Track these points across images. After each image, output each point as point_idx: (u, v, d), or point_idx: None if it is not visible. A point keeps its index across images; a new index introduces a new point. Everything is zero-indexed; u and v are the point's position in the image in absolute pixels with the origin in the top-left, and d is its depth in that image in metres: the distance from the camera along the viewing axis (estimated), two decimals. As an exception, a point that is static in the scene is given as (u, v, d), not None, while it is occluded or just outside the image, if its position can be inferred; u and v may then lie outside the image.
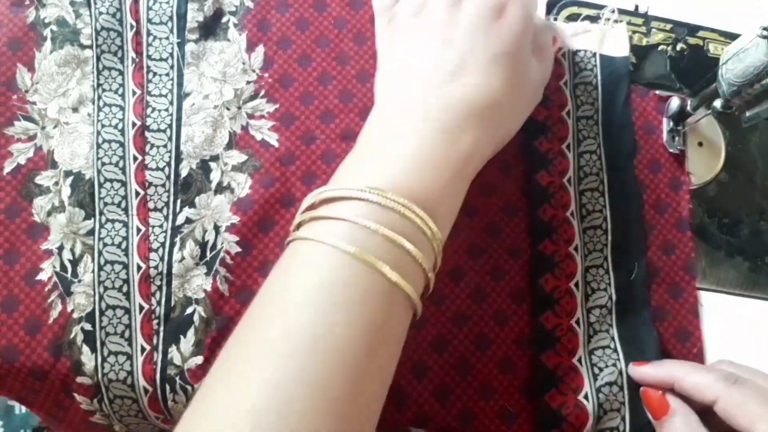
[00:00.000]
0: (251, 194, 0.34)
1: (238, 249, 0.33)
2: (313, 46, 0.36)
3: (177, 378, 0.32)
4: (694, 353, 0.33)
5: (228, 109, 0.35)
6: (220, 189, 0.34)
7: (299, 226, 0.28)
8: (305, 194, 0.34)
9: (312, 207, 0.28)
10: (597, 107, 0.36)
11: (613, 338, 0.33)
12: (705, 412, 0.29)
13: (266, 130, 0.35)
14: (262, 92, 0.36)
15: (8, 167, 0.34)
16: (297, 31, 0.37)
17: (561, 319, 0.33)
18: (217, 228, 0.33)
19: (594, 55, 0.36)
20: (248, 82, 0.36)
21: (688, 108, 0.35)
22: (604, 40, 0.37)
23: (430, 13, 0.31)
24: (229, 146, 0.35)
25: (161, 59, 0.36)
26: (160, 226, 0.33)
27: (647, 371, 0.31)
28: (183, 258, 0.33)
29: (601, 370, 0.32)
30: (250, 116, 0.35)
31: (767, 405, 0.28)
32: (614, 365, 0.32)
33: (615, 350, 0.33)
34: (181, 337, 0.32)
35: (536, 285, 0.33)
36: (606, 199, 0.35)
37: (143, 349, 0.32)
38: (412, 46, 0.31)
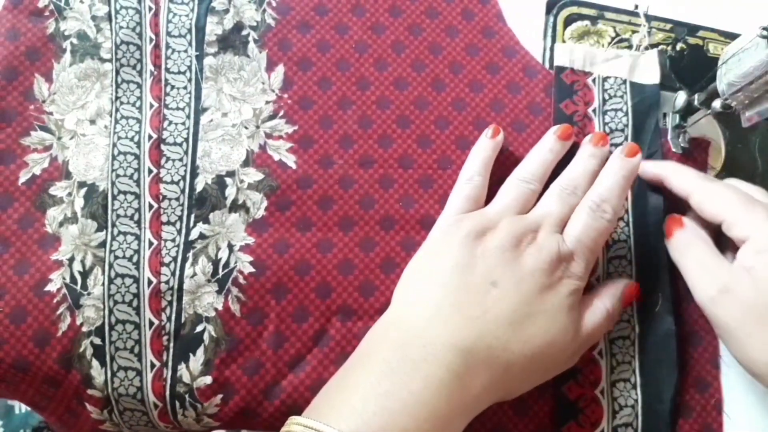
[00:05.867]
0: (267, 216, 0.35)
1: (252, 269, 0.34)
2: (334, 69, 0.38)
3: (186, 396, 0.33)
4: (712, 404, 0.34)
5: (246, 128, 0.36)
6: (235, 207, 0.35)
7: None
8: (321, 219, 0.35)
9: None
10: (627, 134, 0.37)
11: (634, 371, 0.34)
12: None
13: (284, 151, 0.36)
14: (281, 113, 0.37)
15: (23, 177, 0.35)
16: (318, 53, 0.38)
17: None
18: (230, 247, 0.34)
19: (624, 82, 0.37)
20: (267, 102, 0.37)
21: (696, 103, 0.35)
22: (635, 67, 0.38)
23: (488, 246, 0.31)
24: (245, 164, 0.36)
25: (179, 72, 0.37)
26: (173, 240, 0.34)
27: (644, 167, 0.36)
28: (195, 274, 0.34)
29: (621, 407, 0.34)
30: (269, 136, 0.36)
31: (736, 196, 0.32)
32: (632, 407, 0.34)
33: (634, 386, 0.34)
34: (191, 355, 0.33)
35: None
36: (631, 229, 0.36)
37: (153, 365, 0.33)
38: (457, 261, 0.31)
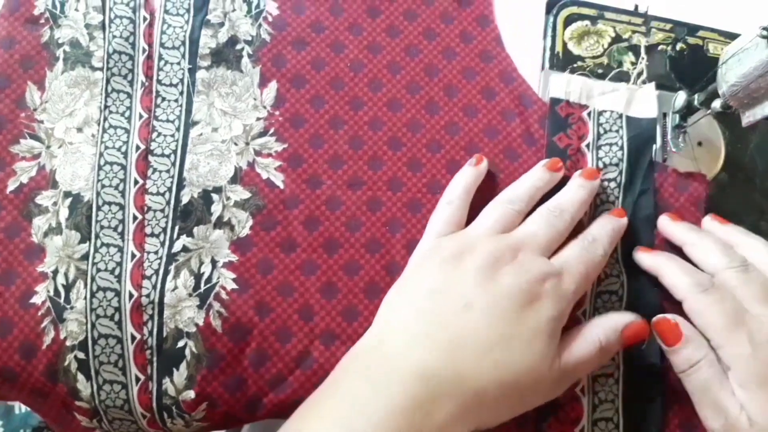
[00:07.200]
0: (251, 235, 0.35)
1: (235, 286, 0.34)
2: (327, 88, 0.37)
3: (173, 407, 0.33)
4: None
5: (236, 144, 0.36)
6: (219, 224, 0.35)
7: None
8: (306, 240, 0.35)
9: None
10: (621, 169, 0.36)
11: (617, 410, 0.34)
12: None
13: (272, 170, 0.36)
14: (272, 130, 0.37)
15: (11, 186, 0.35)
16: (312, 71, 0.38)
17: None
18: (214, 262, 0.34)
19: (620, 116, 0.37)
20: (258, 119, 0.37)
21: (696, 103, 0.35)
22: (631, 101, 0.37)
23: (466, 268, 0.31)
24: (233, 181, 0.36)
25: (171, 84, 0.37)
26: (156, 253, 0.34)
27: (642, 257, 0.35)
28: (176, 287, 0.34)
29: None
30: (258, 153, 0.36)
31: (725, 315, 0.31)
32: None
33: (617, 426, 0.34)
34: (174, 369, 0.34)
35: None
36: (621, 265, 0.35)
37: (138, 379, 0.33)
38: (433, 286, 0.31)
